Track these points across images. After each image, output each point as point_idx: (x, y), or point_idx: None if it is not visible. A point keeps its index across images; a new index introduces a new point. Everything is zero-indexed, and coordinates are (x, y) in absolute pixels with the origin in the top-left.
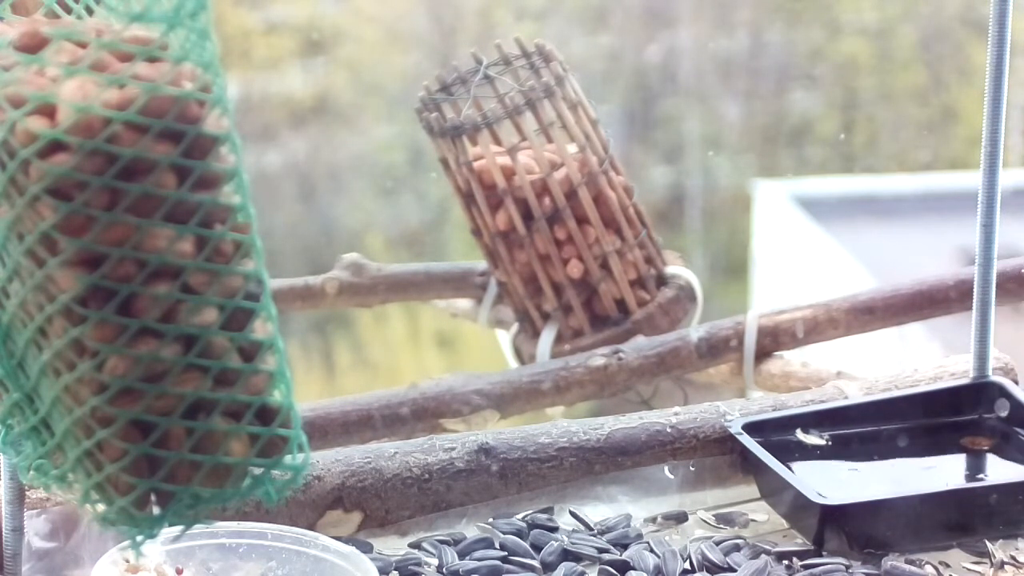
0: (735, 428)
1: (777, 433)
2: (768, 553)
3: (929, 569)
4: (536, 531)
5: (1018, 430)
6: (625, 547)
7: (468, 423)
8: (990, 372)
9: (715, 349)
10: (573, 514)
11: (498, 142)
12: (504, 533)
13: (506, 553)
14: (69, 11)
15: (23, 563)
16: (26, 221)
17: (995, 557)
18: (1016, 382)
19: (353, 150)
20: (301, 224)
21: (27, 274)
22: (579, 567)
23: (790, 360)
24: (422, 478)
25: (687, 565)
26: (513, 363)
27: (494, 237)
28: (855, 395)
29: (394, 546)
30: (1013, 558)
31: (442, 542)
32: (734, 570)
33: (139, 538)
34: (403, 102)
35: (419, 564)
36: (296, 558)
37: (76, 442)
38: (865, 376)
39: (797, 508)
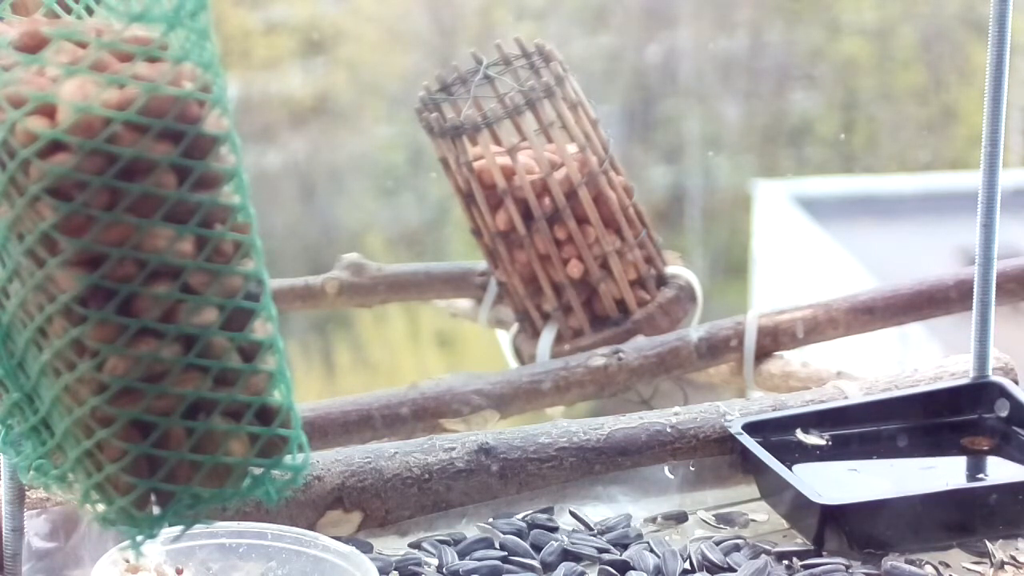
0: (735, 428)
1: (777, 433)
2: (768, 553)
3: (929, 569)
4: (536, 531)
5: (1018, 430)
6: (625, 547)
7: (468, 423)
8: (990, 372)
9: (715, 349)
10: (573, 514)
11: (498, 142)
12: (504, 533)
13: (506, 553)
14: (69, 11)
15: (23, 563)
16: (26, 221)
17: (995, 557)
18: (1016, 382)
19: (353, 150)
20: (301, 224)
21: (27, 274)
22: (579, 567)
23: (790, 360)
24: (422, 478)
25: (687, 565)
26: (513, 363)
27: (494, 237)
28: (855, 395)
29: (394, 546)
30: (1013, 558)
31: (442, 542)
32: (734, 570)
33: (139, 538)
34: (403, 102)
35: (419, 564)
36: (296, 558)
37: (76, 442)
38: (865, 376)
39: (797, 508)
